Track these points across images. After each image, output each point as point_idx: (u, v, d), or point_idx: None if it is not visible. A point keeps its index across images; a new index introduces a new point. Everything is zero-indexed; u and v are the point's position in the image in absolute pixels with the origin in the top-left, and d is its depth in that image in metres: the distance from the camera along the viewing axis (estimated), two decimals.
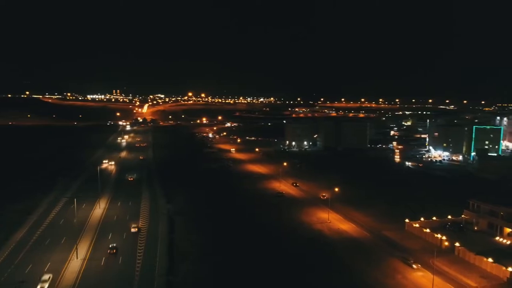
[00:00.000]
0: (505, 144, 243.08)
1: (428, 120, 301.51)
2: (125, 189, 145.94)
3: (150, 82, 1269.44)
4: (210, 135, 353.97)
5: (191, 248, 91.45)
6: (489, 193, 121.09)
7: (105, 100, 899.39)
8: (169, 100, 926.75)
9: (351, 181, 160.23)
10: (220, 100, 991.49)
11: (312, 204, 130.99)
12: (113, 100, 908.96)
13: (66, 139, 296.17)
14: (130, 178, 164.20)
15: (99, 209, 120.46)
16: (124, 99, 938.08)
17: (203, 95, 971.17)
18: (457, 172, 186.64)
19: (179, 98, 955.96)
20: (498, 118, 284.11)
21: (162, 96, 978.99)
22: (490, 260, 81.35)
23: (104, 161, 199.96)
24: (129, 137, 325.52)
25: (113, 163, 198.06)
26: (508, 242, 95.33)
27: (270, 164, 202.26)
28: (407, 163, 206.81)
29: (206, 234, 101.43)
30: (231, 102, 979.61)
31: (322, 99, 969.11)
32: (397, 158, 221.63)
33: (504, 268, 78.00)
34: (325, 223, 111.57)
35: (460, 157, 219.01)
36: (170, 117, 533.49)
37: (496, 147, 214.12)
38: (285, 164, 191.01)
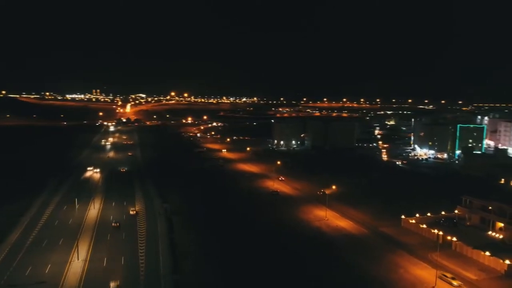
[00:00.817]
0: (486, 142, 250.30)
1: (412, 120, 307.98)
2: (117, 189, 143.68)
3: (131, 82, 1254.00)
4: (198, 134, 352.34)
5: (192, 248, 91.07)
6: (477, 190, 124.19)
7: (85, 99, 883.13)
8: (152, 100, 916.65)
9: (343, 179, 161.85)
10: (203, 100, 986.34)
11: (307, 202, 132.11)
12: (93, 99, 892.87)
13: (52, 139, 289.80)
14: (122, 169, 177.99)
15: (94, 209, 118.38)
16: (105, 99, 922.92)
17: (186, 94, 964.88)
18: (444, 170, 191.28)
19: (161, 98, 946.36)
20: (479, 117, 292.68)
21: (144, 96, 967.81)
22: (487, 253, 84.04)
23: (93, 161, 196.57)
24: (115, 136, 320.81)
25: (103, 162, 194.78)
26: (501, 236, 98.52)
27: (261, 163, 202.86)
28: (397, 162, 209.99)
29: (206, 234, 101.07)
30: (214, 101, 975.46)
31: (304, 99, 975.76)
32: (384, 157, 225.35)
33: (501, 261, 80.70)
34: (323, 220, 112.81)
35: (445, 155, 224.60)
36: (154, 116, 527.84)
37: (480, 145, 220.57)
38: (278, 163, 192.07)
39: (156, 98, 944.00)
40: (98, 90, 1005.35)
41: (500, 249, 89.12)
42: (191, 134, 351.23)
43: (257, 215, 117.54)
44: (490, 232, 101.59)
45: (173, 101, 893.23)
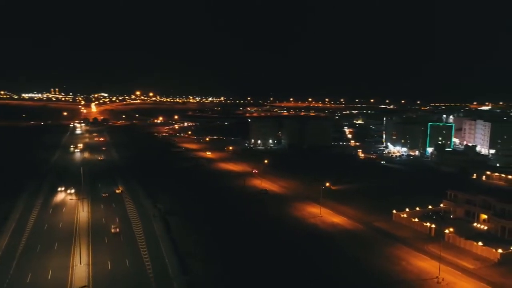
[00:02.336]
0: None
1: (384, 118, 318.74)
2: (103, 189, 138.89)
3: (91, 81, 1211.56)
4: (177, 134, 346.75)
5: (195, 248, 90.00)
6: (452, 185, 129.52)
7: (44, 98, 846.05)
8: (116, 99, 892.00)
9: (327, 177, 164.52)
10: (168, 100, 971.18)
11: (297, 200, 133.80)
12: (53, 99, 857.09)
13: (21, 140, 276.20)
14: (100, 158, 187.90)
15: (83, 212, 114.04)
16: (66, 98, 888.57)
17: (151, 94, 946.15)
18: (418, 166, 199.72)
19: (126, 97, 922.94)
20: (444, 116, 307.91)
21: (106, 95, 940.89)
22: (480, 244, 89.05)
23: (69, 162, 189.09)
24: (86, 137, 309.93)
25: (80, 163, 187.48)
26: (485, 227, 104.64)
27: (242, 162, 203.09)
28: (382, 162, 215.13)
29: (205, 234, 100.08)
30: (181, 101, 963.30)
31: (271, 99, 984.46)
32: (361, 155, 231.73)
33: (494, 250, 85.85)
34: (317, 217, 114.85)
35: (417, 152, 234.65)
36: (123, 116, 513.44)
37: (448, 142, 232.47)
38: (266, 161, 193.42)
39: (120, 98, 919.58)
40: (57, 89, 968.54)
41: (488, 239, 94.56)
42: (164, 134, 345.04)
43: (252, 213, 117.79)
44: (475, 224, 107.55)
45: (138, 101, 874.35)
